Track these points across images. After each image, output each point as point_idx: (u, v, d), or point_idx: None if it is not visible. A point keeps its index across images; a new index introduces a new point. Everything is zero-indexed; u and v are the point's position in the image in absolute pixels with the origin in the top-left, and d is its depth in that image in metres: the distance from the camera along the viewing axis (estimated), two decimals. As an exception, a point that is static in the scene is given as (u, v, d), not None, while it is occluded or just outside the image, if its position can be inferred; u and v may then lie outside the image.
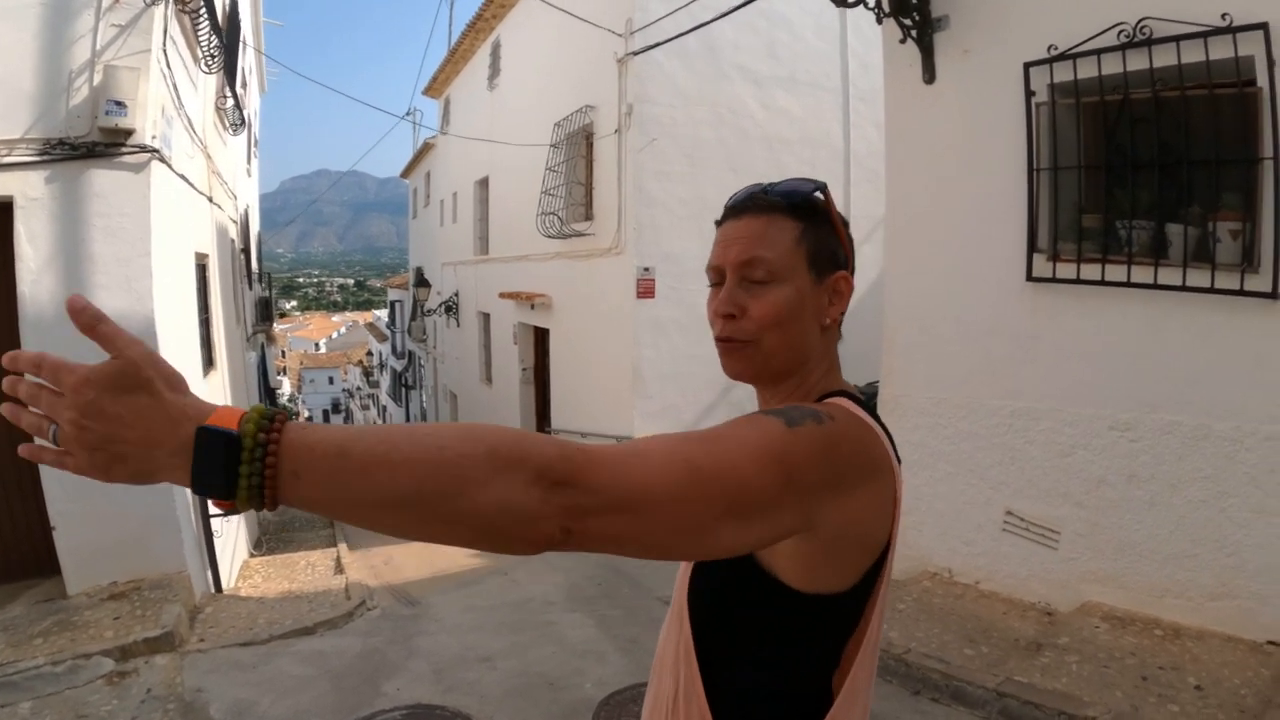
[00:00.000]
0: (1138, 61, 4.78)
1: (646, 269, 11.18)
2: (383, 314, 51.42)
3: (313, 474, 0.87)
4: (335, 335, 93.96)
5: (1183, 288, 4.74)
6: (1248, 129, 4.52)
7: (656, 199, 11.28)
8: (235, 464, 0.85)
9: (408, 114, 27.10)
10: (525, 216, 14.37)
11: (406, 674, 5.29)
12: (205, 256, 8.63)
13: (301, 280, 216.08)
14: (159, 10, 6.03)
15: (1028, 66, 5.32)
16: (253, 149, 17.63)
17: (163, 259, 6.18)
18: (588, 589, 7.21)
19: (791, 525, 1.07)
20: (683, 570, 1.40)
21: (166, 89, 6.42)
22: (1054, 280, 5.37)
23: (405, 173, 31.77)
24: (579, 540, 0.95)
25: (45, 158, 5.64)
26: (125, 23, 5.85)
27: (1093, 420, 5.26)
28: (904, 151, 6.36)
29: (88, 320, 0.88)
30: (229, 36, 8.11)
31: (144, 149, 5.89)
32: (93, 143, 5.71)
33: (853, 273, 1.38)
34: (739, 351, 1.34)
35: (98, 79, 5.71)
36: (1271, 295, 4.43)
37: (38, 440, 0.97)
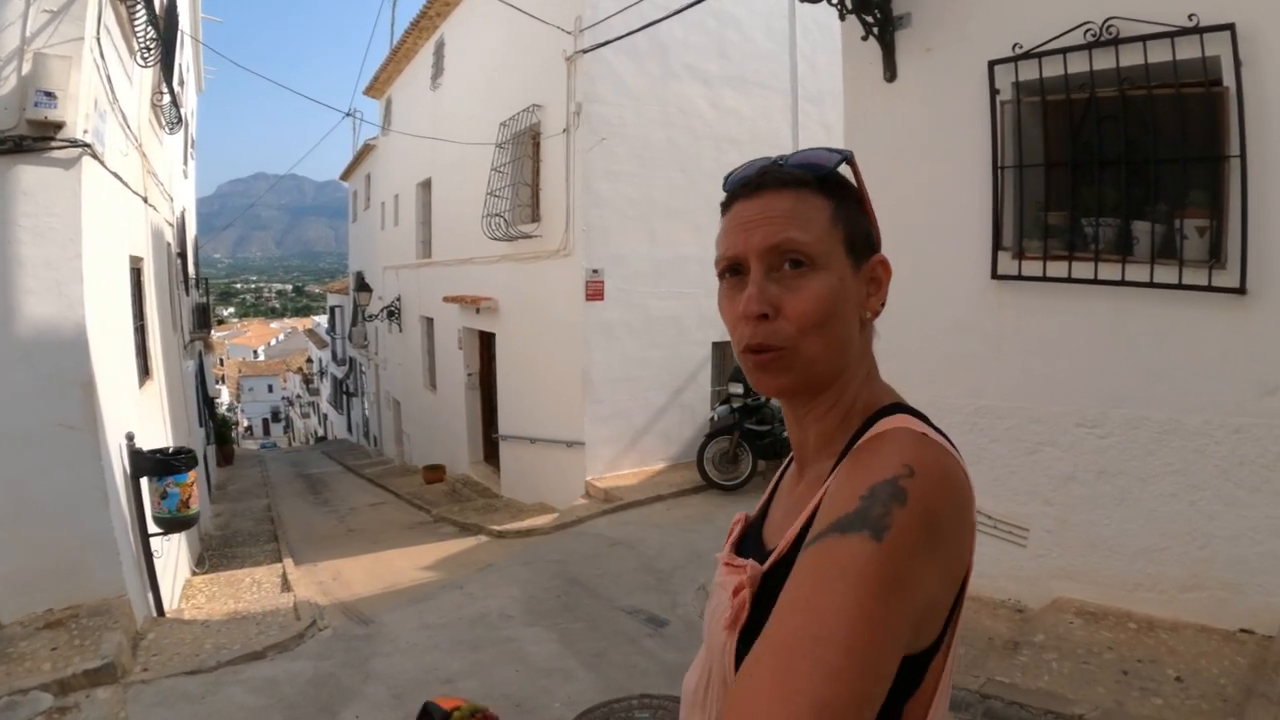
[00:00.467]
0: (1104, 61, 4.78)
1: (596, 271, 11.01)
2: (322, 320, 50.57)
3: None
4: (274, 342, 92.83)
5: (1150, 284, 4.74)
6: (1215, 127, 4.55)
7: (605, 199, 11.14)
8: None
9: (349, 114, 26.72)
10: (469, 219, 14.20)
11: (364, 700, 5.03)
12: (140, 260, 8.24)
13: (239, 286, 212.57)
14: (94, -5, 5.68)
15: (992, 65, 5.27)
16: (189, 150, 17.13)
17: (95, 262, 5.81)
18: (546, 601, 6.98)
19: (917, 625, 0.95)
20: (718, 638, 1.14)
21: (100, 81, 6.06)
22: (1019, 278, 5.32)
23: (345, 175, 31.23)
24: None
25: (-35, 152, 5.27)
26: (57, 8, 5.47)
27: (1060, 417, 5.24)
28: (864, 150, 6.15)
29: None
30: (167, 30, 7.74)
31: (75, 144, 5.51)
32: (19, 136, 5.31)
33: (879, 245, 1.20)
34: (777, 363, 1.09)
35: (26, 68, 5.32)
36: (1239, 290, 4.46)
37: None
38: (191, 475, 6.62)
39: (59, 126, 5.41)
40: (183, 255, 14.05)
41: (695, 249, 11.93)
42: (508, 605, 6.91)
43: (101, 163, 6.09)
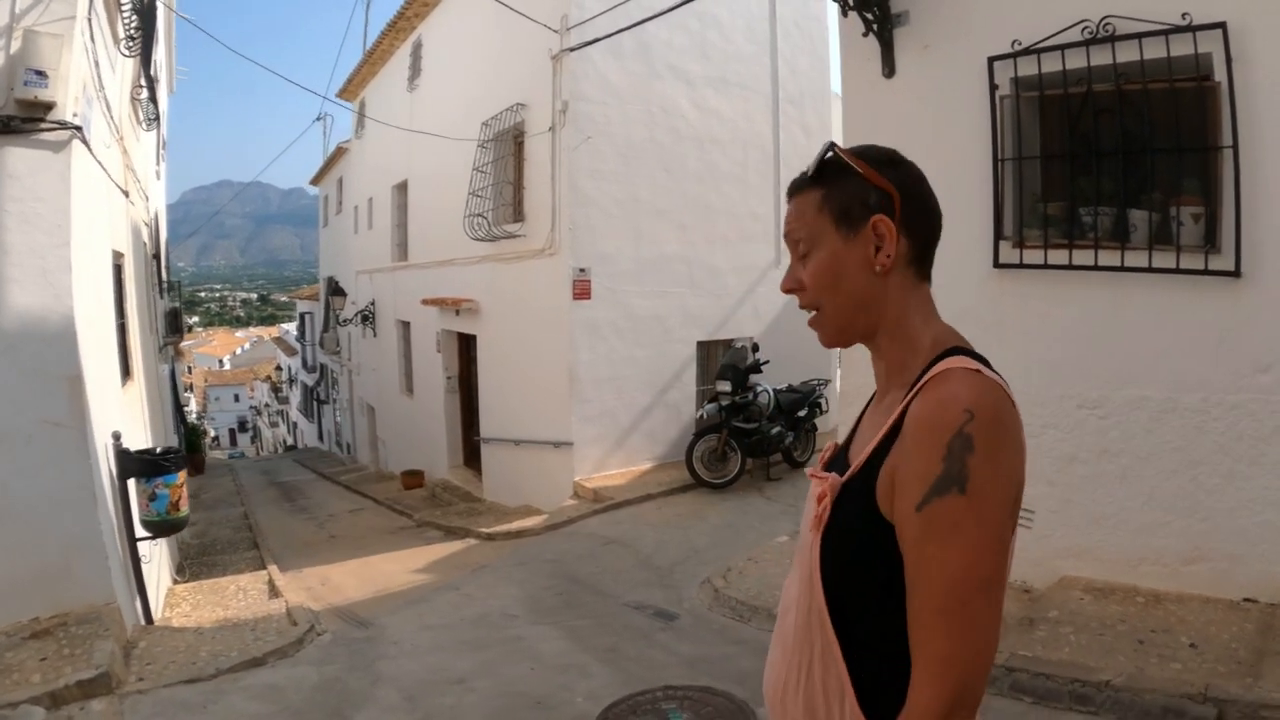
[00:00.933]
0: (1101, 57, 4.99)
1: (582, 270, 10.90)
2: (291, 327, 50.01)
3: None
4: (239, 351, 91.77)
5: (1149, 269, 4.95)
6: (1207, 120, 4.82)
7: (591, 198, 11.04)
8: None
9: (319, 118, 26.44)
10: (448, 220, 14.07)
11: (376, 704, 4.86)
12: (121, 256, 8.00)
13: (203, 295, 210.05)
14: (85, -27, 5.49)
15: (992, 61, 5.45)
16: (161, 151, 16.84)
17: (82, 252, 5.59)
18: (547, 600, 6.87)
19: (1014, 523, 1.30)
20: (806, 537, 1.42)
21: (89, 64, 5.87)
22: (1020, 266, 5.51)
23: (316, 179, 30.76)
24: None
25: (-49, 132, 5.04)
26: (49, -15, 5.26)
27: (1061, 400, 5.42)
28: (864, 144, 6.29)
29: None
30: (147, 20, 7.53)
31: (64, 126, 5.30)
32: (7, 117, 5.10)
33: (904, 217, 1.38)
34: (816, 321, 1.45)
35: (15, 46, 5.11)
36: (1234, 273, 4.70)
37: None
38: (181, 476, 6.40)
39: (49, 107, 5.20)
40: (157, 257, 13.79)
41: (679, 248, 11.89)
42: (509, 605, 6.79)
43: (89, 149, 5.88)
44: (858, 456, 1.36)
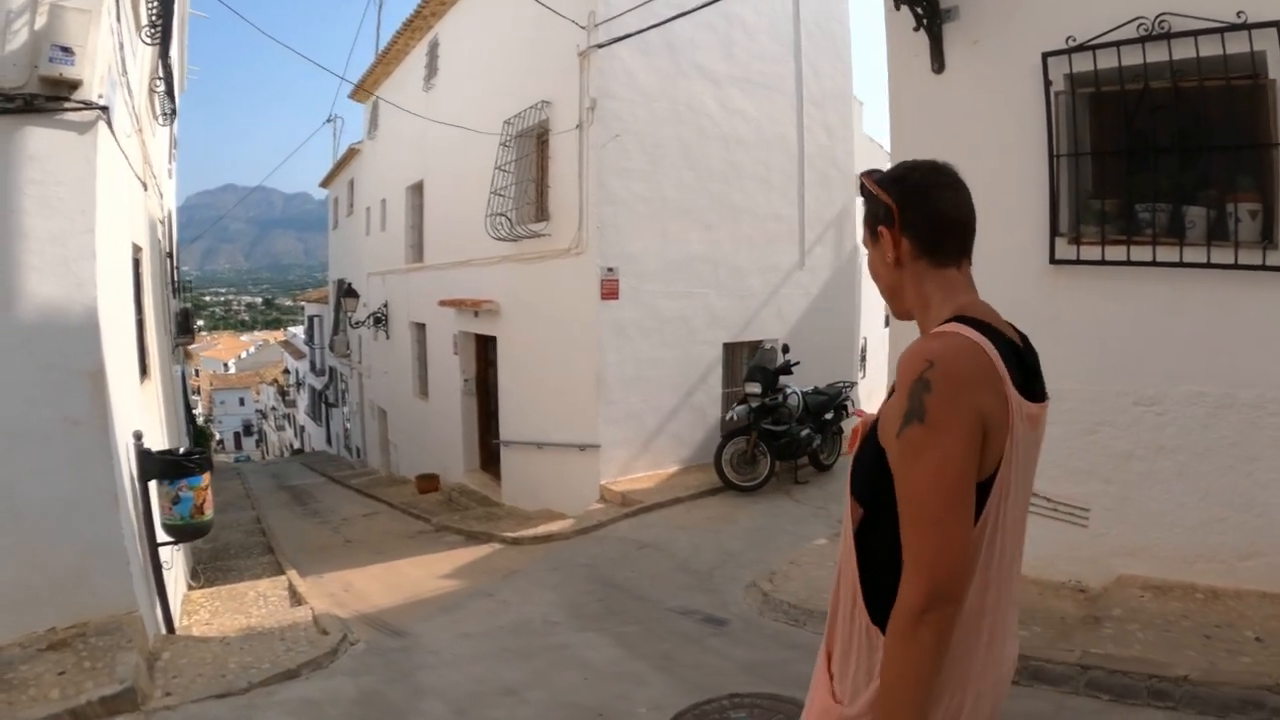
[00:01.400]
0: (1157, 54, 4.98)
1: (610, 269, 10.66)
2: (299, 330, 49.95)
3: None
4: (245, 355, 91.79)
5: (1207, 265, 4.95)
6: (1263, 117, 4.80)
7: (618, 197, 10.81)
8: None
9: (329, 120, 26.26)
10: (466, 220, 13.89)
11: (423, 718, 4.57)
12: (140, 250, 7.72)
13: (208, 299, 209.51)
14: (111, -49, 5.20)
15: (1046, 56, 5.42)
16: (173, 149, 16.63)
17: (104, 242, 5.26)
18: (588, 605, 6.63)
19: (978, 450, 1.51)
20: (847, 490, 1.76)
21: (114, 45, 5.59)
22: (1077, 262, 5.49)
23: (326, 182, 30.62)
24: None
25: (-29, 110, 4.73)
26: (74, -41, 4.95)
27: (1118, 396, 5.40)
28: (912, 140, 6.35)
29: None
30: (165, 8, 7.27)
31: (90, 106, 4.99)
32: (29, 95, 4.77)
33: (902, 224, 1.75)
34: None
35: (40, 21, 4.80)
36: None
37: None
38: (206, 478, 6.07)
39: (74, 86, 4.89)
40: (170, 256, 13.57)
41: (704, 248, 11.67)
42: (548, 611, 6.55)
43: (113, 133, 5.59)
44: None
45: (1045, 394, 1.76)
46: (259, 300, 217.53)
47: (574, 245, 10.98)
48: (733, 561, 7.52)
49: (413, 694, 4.90)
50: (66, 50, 4.75)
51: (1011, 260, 5.60)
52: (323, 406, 34.16)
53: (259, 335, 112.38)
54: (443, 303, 15.26)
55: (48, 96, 4.85)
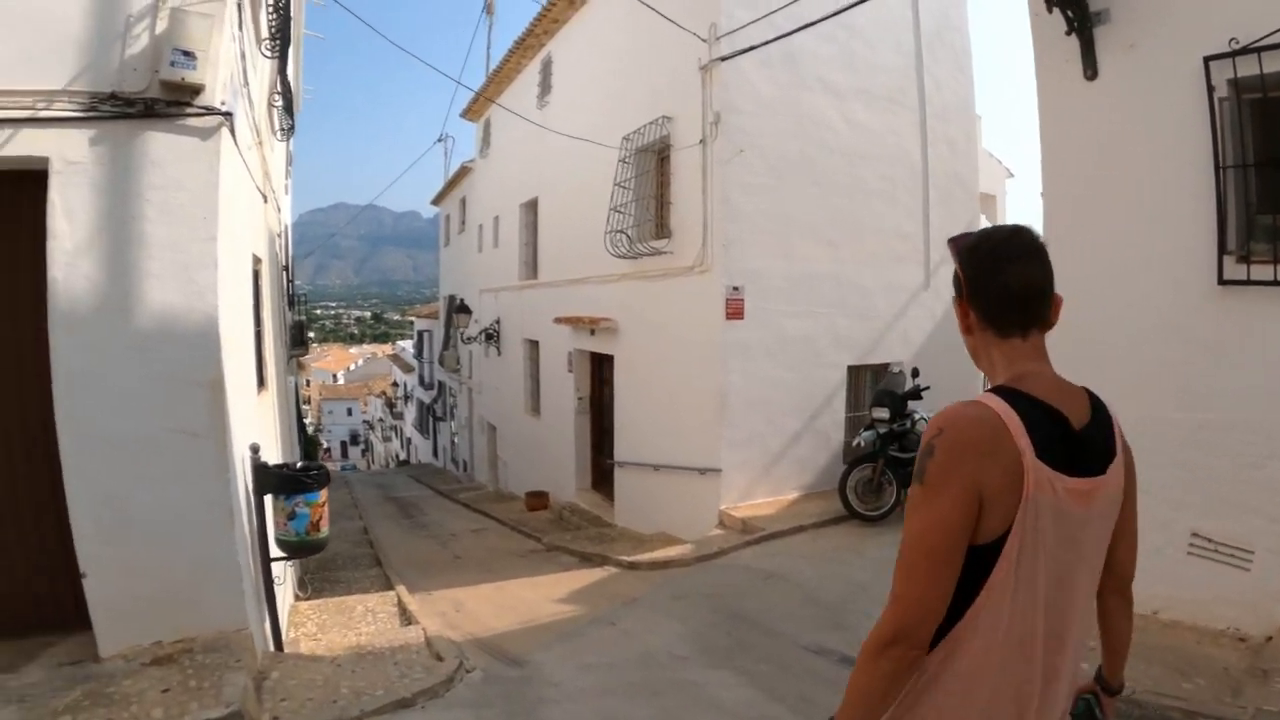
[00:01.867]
0: None
1: (736, 288, 10.26)
2: (408, 345, 51.01)
3: None
4: (353, 367, 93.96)
5: None
6: None
7: (743, 213, 10.42)
8: None
9: (440, 139, 26.57)
10: (582, 237, 13.75)
11: (552, 760, 4.23)
12: (259, 261, 7.63)
13: (319, 312, 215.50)
14: (232, -44, 5.06)
15: (1208, 61, 4.99)
16: (289, 166, 16.84)
17: (225, 250, 5.10)
18: (717, 639, 6.24)
19: (972, 515, 1.62)
20: None
21: (236, 54, 5.46)
22: (1247, 283, 4.97)
23: (437, 199, 31.09)
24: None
25: (91, 114, 4.58)
26: (193, -33, 4.83)
27: None
28: (1062, 151, 6.03)
29: None
30: (284, 26, 7.20)
31: (213, 111, 4.84)
32: (151, 99, 4.65)
33: (969, 294, 1.84)
34: None
35: (161, 25, 4.68)
36: None
37: None
38: (323, 494, 5.89)
39: (196, 91, 4.75)
40: (286, 269, 13.67)
41: (829, 266, 11.19)
42: (673, 643, 6.17)
43: (235, 141, 5.44)
44: None
45: (1102, 469, 1.74)
46: (368, 314, 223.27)
47: (697, 263, 10.64)
48: (864, 595, 7.09)
49: (538, 732, 4.57)
50: (188, 54, 4.61)
51: (1169, 281, 5.30)
52: (430, 420, 34.56)
53: (367, 348, 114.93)
54: (558, 320, 15.09)
55: (168, 101, 4.72)
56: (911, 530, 1.64)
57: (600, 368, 14.55)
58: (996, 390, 1.73)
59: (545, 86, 17.06)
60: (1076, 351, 5.53)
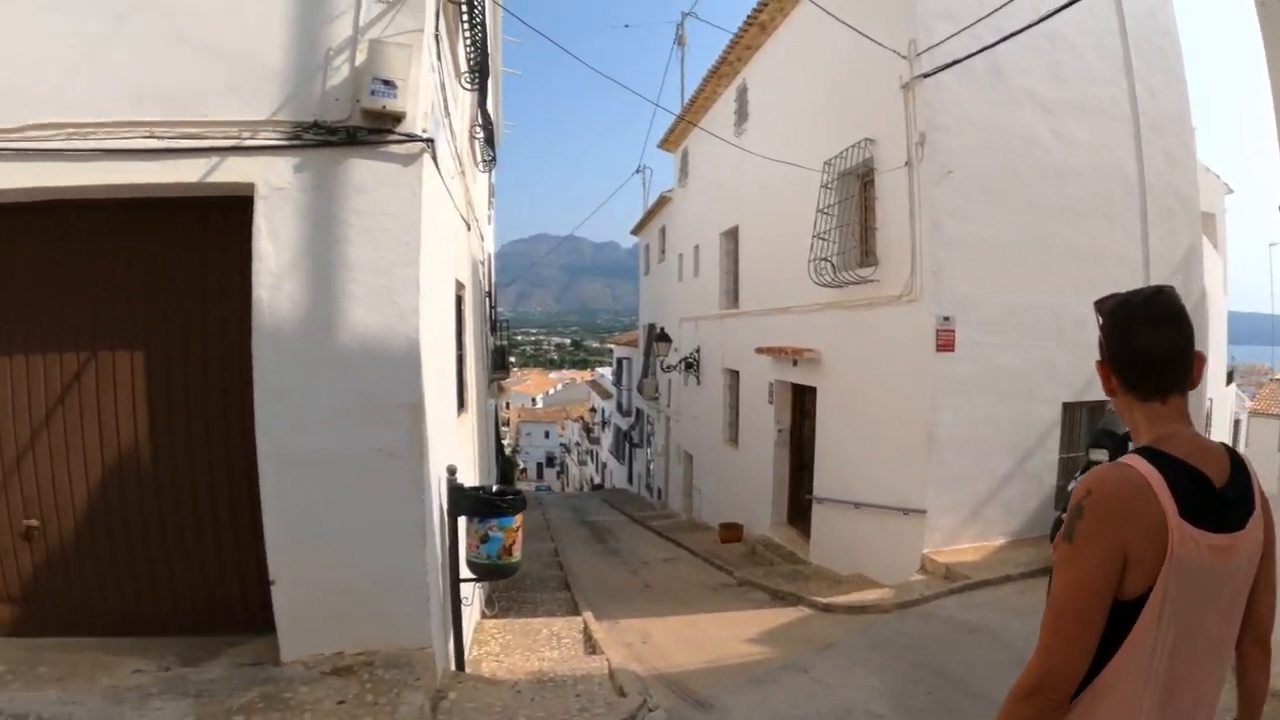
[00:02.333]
0: None
1: (947, 319, 9.75)
2: (606, 371, 52.00)
3: None
4: (552, 391, 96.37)
5: None
6: None
7: (954, 239, 9.89)
8: None
9: (639, 170, 26.94)
10: (783, 266, 13.48)
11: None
12: (462, 287, 7.77)
13: (519, 338, 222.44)
14: (430, -9, 5.16)
15: None
16: (491, 198, 17.31)
17: (428, 274, 5.19)
18: (915, 697, 5.83)
19: (1115, 576, 1.71)
20: None
21: (435, 85, 5.54)
22: None
23: (637, 229, 31.53)
24: None
25: (295, 142, 4.78)
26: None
27: None
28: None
29: None
30: (483, 60, 7.31)
31: (415, 138, 4.93)
32: (353, 127, 4.80)
33: (1109, 358, 1.96)
34: None
35: (361, 57, 4.83)
36: None
37: None
38: (518, 520, 5.85)
39: (398, 119, 4.87)
40: (489, 296, 13.98)
41: (1045, 295, 10.45)
42: (869, 698, 5.80)
43: (438, 168, 5.51)
44: None
45: (1242, 523, 1.78)
46: (567, 341, 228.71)
47: (905, 292, 10.20)
48: (1077, 656, 6.45)
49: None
50: (388, 84, 4.73)
51: None
52: (626, 446, 34.89)
53: (566, 374, 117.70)
54: (759, 350, 14.86)
55: (370, 129, 4.85)
56: (1059, 587, 1.75)
57: (801, 399, 14.20)
58: (1141, 451, 1.81)
59: (742, 114, 16.94)
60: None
